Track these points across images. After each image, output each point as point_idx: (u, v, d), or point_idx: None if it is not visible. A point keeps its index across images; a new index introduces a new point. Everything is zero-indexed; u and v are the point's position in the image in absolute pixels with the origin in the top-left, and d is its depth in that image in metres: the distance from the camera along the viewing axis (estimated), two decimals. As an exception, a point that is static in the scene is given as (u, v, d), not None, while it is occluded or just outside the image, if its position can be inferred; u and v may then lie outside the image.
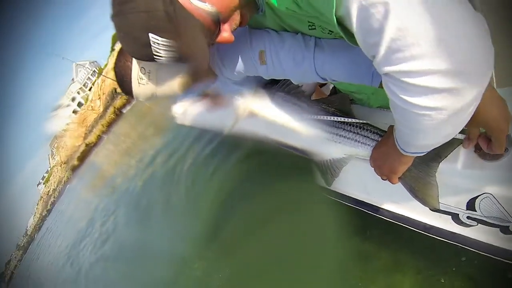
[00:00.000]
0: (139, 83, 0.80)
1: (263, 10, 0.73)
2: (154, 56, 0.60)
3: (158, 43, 0.57)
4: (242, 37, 0.89)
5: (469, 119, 0.47)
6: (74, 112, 47.97)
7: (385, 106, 1.01)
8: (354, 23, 0.45)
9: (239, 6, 0.64)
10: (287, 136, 1.14)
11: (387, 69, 0.44)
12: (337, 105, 1.04)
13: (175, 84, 0.81)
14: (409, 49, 0.40)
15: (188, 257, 2.41)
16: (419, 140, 0.54)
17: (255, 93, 1.18)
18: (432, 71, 0.40)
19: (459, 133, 0.72)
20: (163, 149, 5.24)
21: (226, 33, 0.65)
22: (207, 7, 0.58)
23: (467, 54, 0.39)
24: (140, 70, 0.78)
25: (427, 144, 0.55)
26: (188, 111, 3.09)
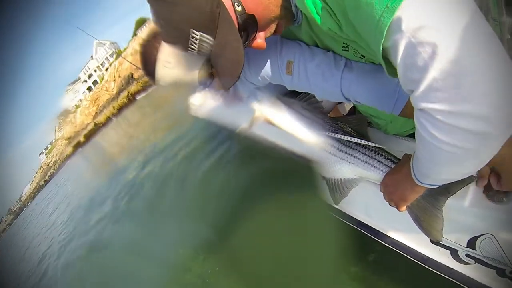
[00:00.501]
0: (164, 65, 0.80)
1: (299, 23, 0.75)
2: (189, 49, 0.62)
3: (197, 39, 0.60)
4: (273, 44, 0.90)
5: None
6: (89, 89, 48.37)
7: (400, 134, 1.03)
8: (399, 57, 0.46)
9: (277, 17, 0.67)
10: (299, 148, 1.16)
11: (424, 105, 0.46)
12: (354, 125, 1.06)
13: (199, 75, 0.81)
14: (449, 90, 0.42)
15: (184, 257, 2.39)
16: (438, 174, 0.56)
17: (274, 100, 1.17)
18: (468, 114, 0.42)
19: (475, 171, 0.74)
20: (171, 144, 5.08)
21: (260, 40, 0.68)
22: (248, 16, 0.61)
23: (504, 100, 0.42)
24: (169, 54, 0.79)
25: (445, 178, 0.57)
26: (205, 103, 3.11)
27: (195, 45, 0.61)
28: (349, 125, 1.07)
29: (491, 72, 0.41)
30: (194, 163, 3.63)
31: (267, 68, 0.94)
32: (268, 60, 0.92)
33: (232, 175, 2.81)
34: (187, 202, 3.05)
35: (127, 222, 4.13)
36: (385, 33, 0.47)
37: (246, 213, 2.08)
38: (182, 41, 0.62)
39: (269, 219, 1.93)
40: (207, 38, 0.60)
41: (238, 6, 0.59)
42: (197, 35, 0.60)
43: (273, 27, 0.69)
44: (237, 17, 0.60)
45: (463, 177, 0.56)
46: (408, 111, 0.79)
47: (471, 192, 0.80)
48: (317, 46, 0.87)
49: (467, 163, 0.49)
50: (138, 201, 4.17)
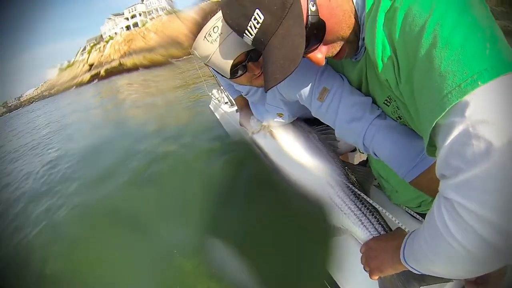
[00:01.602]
0: (204, 37, 0.78)
1: (358, 59, 0.72)
2: (245, 31, 0.59)
3: (259, 22, 0.56)
4: (316, 66, 0.91)
5: None
6: (127, 27, 48.60)
7: (401, 205, 1.02)
8: (448, 139, 0.44)
9: (345, 39, 0.63)
10: (297, 176, 1.12)
11: (453, 195, 0.44)
12: (360, 177, 1.04)
13: (231, 62, 0.80)
14: (485, 194, 0.41)
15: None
16: (430, 264, 0.54)
17: (292, 120, 1.18)
18: (493, 224, 0.41)
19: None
20: (184, 133, 4.49)
21: (320, 55, 0.63)
22: (319, 20, 0.57)
23: None
24: (214, 28, 0.77)
25: (434, 271, 0.55)
26: (222, 101, 3.10)
27: (254, 28, 0.57)
28: (355, 174, 1.04)
29: None
30: (204, 161, 3.32)
31: (302, 86, 0.91)
32: (306, 79, 0.89)
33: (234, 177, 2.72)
34: (186, 199, 2.74)
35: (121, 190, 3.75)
36: (446, 111, 0.44)
37: (246, 217, 2.05)
38: (242, 21, 0.58)
39: (269, 224, 1.89)
40: (269, 25, 0.56)
41: (313, 6, 0.55)
42: (260, 18, 0.56)
43: (337, 47, 0.64)
44: (308, 15, 0.55)
45: (451, 278, 0.54)
46: (420, 182, 0.76)
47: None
48: (359, 88, 0.84)
49: (466, 267, 0.47)
50: (138, 180, 3.45)
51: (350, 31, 0.62)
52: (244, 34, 0.60)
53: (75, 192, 3.65)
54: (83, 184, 3.85)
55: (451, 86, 0.43)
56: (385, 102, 0.75)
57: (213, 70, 1.03)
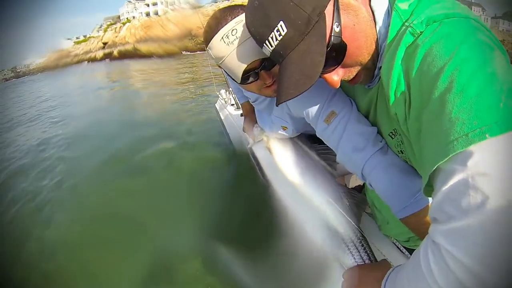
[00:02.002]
0: (222, 38, 0.78)
1: (370, 87, 0.72)
2: (266, 41, 0.59)
3: (281, 34, 0.56)
4: (328, 88, 0.91)
5: None
6: (147, 14, 48.85)
7: (390, 237, 1.01)
8: (445, 186, 0.44)
9: (363, 65, 0.62)
10: (287, 195, 1.11)
11: (441, 241, 0.44)
12: (353, 202, 1.03)
13: (244, 67, 0.79)
14: (474, 245, 0.40)
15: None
16: None
17: (296, 135, 1.18)
18: (476, 276, 0.40)
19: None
20: (185, 131, 4.41)
21: (336, 77, 0.62)
22: (341, 41, 0.56)
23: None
24: (232, 31, 0.77)
25: None
26: (229, 103, 3.11)
27: (275, 40, 0.57)
28: (349, 199, 1.04)
29: None
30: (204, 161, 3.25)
31: (311, 105, 0.91)
32: (316, 99, 0.89)
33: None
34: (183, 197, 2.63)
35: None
36: (449, 157, 0.44)
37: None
38: (264, 31, 0.58)
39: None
40: (291, 39, 0.55)
41: (337, 27, 0.55)
42: (283, 31, 0.55)
43: (353, 71, 0.64)
44: (331, 36, 0.55)
45: None
46: (410, 221, 0.76)
47: None
48: (367, 116, 0.84)
49: None
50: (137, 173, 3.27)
51: (369, 57, 0.62)
52: (264, 44, 0.60)
53: (52, 186, 3.47)
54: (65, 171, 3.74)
55: (458, 133, 0.43)
56: (390, 134, 0.75)
57: (225, 72, 1.03)
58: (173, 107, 6.46)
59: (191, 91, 8.14)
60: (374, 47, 0.61)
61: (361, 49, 0.60)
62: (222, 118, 2.89)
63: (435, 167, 0.47)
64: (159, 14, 46.07)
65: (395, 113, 0.60)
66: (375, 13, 0.60)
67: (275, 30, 0.56)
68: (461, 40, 0.47)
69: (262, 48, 0.62)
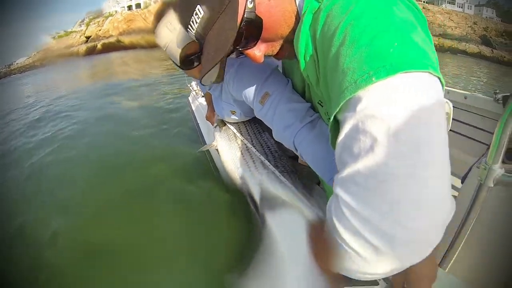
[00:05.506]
0: (165, 25, 0.82)
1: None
2: (189, 25, 0.61)
3: (199, 17, 0.58)
4: (265, 70, 0.91)
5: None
6: (129, 7, 47.49)
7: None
8: (342, 135, 0.44)
9: (284, 38, 0.63)
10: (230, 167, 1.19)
11: (338, 191, 0.43)
12: (304, 175, 1.06)
13: (181, 53, 0.83)
14: (366, 191, 0.39)
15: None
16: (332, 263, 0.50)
17: (246, 118, 1.26)
18: (371, 223, 0.38)
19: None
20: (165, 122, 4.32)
21: (258, 52, 0.64)
22: (256, 17, 0.58)
23: (417, 226, 0.37)
24: (175, 18, 0.81)
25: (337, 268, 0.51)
26: (199, 96, 3.11)
27: (195, 23, 0.60)
28: (299, 173, 1.08)
29: (419, 196, 0.37)
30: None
31: (248, 88, 0.95)
32: (252, 81, 0.93)
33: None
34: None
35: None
36: (340, 105, 0.44)
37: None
38: (187, 15, 0.61)
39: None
40: (208, 19, 0.58)
41: (251, 3, 0.56)
42: (201, 13, 0.58)
43: (276, 46, 0.65)
44: (244, 11, 0.56)
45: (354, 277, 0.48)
46: None
47: None
48: (304, 92, 0.87)
49: (355, 267, 0.43)
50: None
51: (290, 31, 0.62)
52: (188, 29, 0.63)
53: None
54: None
55: (349, 82, 0.43)
56: (319, 102, 0.77)
57: None
58: (149, 99, 6.37)
59: (170, 82, 8.14)
60: (293, 20, 0.62)
61: (279, 23, 0.61)
62: (194, 109, 2.89)
63: (332, 118, 0.48)
64: (141, 7, 44.87)
65: (307, 76, 0.61)
66: None
67: (194, 14, 0.59)
68: None
69: (187, 32, 0.64)
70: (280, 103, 0.87)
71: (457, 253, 0.84)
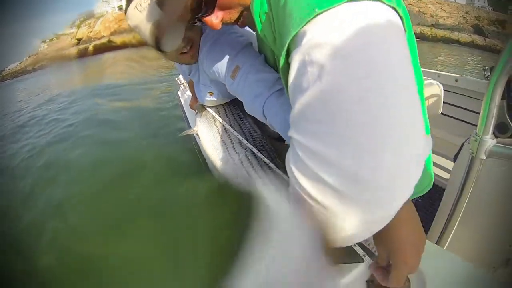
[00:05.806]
0: (135, 6, 0.82)
1: None
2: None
3: None
4: (236, 45, 0.92)
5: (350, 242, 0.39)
6: (120, 8, 47.27)
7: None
8: (291, 77, 0.41)
9: (242, 5, 0.63)
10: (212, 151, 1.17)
11: (292, 132, 0.39)
12: (284, 152, 1.07)
13: (150, 32, 0.83)
14: (317, 125, 0.34)
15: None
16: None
17: (224, 100, 1.26)
18: (328, 160, 0.33)
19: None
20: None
21: (216, 20, 0.64)
22: None
23: (380, 161, 0.31)
24: None
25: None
26: (185, 87, 3.11)
27: None
28: (278, 151, 1.09)
29: (378, 125, 0.31)
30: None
31: (219, 63, 0.95)
32: (223, 57, 0.93)
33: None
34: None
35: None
36: (285, 47, 0.42)
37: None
38: None
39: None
40: None
41: None
42: None
43: (235, 13, 0.65)
44: None
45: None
46: None
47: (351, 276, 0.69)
48: (276, 63, 0.85)
49: (322, 223, 0.37)
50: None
51: None
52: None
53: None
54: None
55: (294, 20, 0.40)
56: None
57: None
58: (142, 100, 6.52)
59: (161, 79, 8.43)
60: None
61: None
62: (182, 102, 2.89)
63: (282, 63, 0.46)
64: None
65: (264, 36, 0.59)
66: None
67: None
68: None
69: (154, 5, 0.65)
70: (250, 74, 0.88)
71: (453, 230, 0.82)
